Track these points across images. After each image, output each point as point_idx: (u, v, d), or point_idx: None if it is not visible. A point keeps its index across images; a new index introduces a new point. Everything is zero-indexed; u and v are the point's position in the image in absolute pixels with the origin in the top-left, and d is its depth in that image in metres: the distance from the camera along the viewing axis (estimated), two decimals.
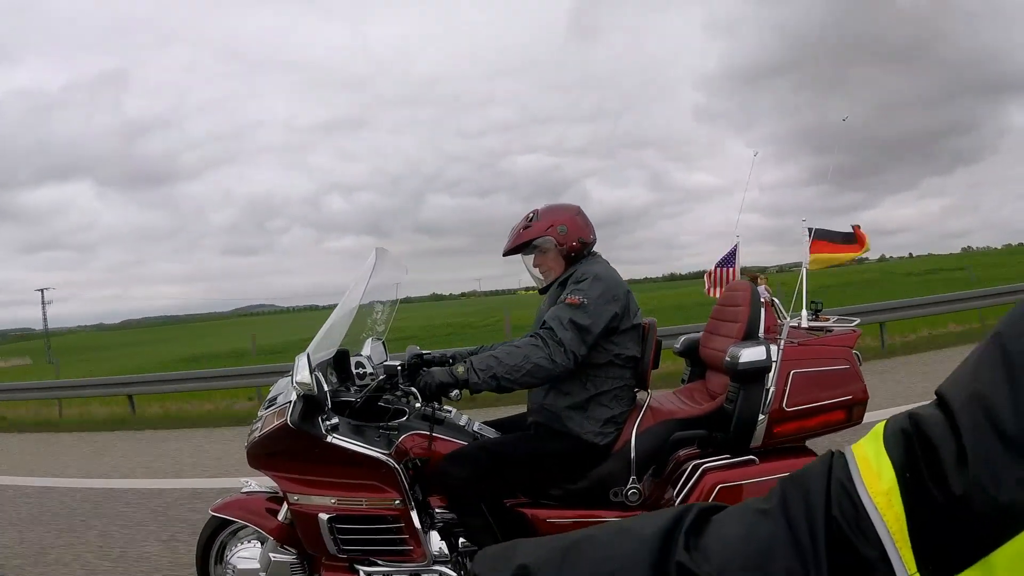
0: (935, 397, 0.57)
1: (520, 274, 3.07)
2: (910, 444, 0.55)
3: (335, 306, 3.04)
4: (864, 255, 3.04)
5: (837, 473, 0.56)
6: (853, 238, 3.03)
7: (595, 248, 2.92)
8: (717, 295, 3.54)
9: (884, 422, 0.57)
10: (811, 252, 2.97)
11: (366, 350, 3.18)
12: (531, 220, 2.84)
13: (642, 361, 2.80)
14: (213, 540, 3.09)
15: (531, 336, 2.57)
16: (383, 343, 3.31)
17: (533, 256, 2.87)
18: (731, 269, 3.46)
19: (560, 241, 2.79)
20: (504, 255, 2.92)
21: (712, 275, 3.59)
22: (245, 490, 3.09)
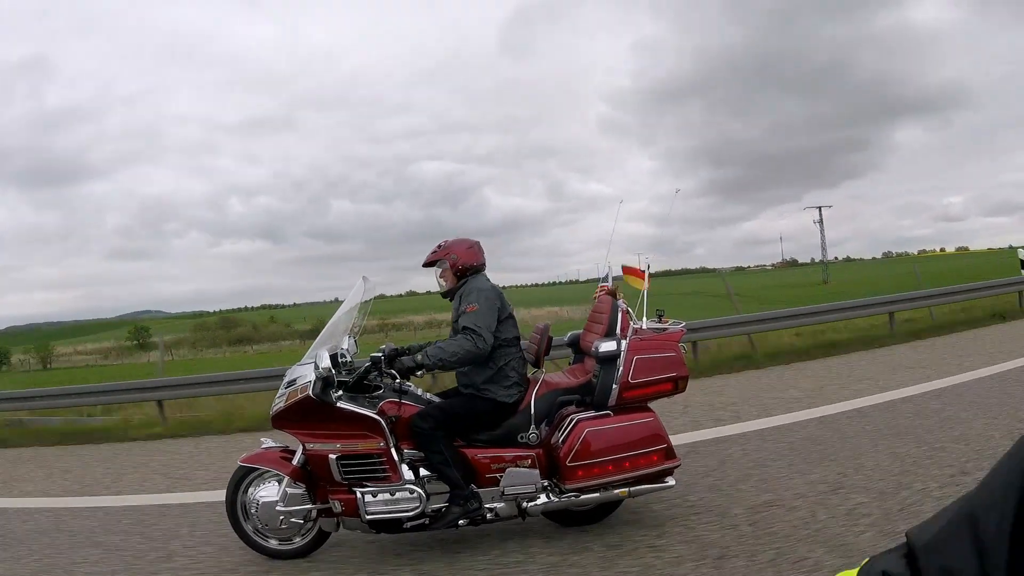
0: (904, 541, 0.62)
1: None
2: None
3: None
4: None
5: None
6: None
7: (494, 254, 4.49)
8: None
9: (856, 571, 0.63)
10: (649, 281, 4.50)
11: (345, 344, 4.51)
12: (440, 248, 4.37)
13: (538, 349, 4.29)
14: (239, 485, 4.28)
15: (462, 334, 4.02)
16: (355, 339, 4.63)
17: (438, 270, 4.37)
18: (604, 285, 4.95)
19: (452, 264, 4.30)
20: (422, 266, 4.44)
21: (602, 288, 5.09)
22: (264, 446, 4.35)
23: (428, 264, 4.40)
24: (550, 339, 4.47)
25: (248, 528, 4.23)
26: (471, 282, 4.28)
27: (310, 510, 4.14)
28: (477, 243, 4.44)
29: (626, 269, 4.69)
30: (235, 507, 4.26)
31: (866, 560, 0.64)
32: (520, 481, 4.01)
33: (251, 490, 4.25)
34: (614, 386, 4.05)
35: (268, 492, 4.21)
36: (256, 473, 4.27)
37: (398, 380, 4.03)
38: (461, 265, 4.31)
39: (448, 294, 4.35)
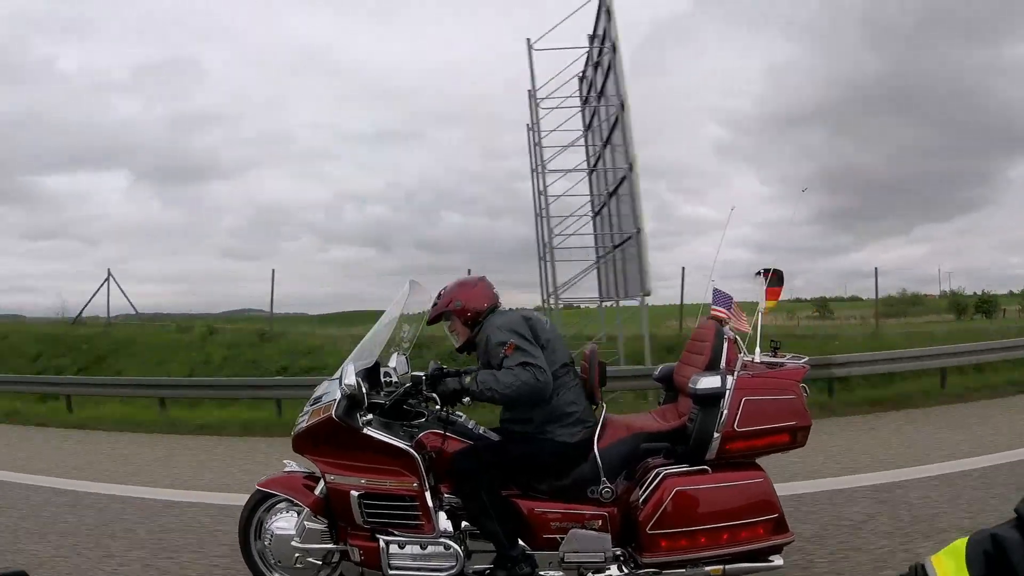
0: (1014, 515, 0.64)
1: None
2: (991, 566, 0.60)
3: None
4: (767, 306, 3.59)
5: None
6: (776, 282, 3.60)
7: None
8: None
9: (965, 540, 0.64)
10: (767, 298, 3.52)
11: (392, 362, 3.79)
12: (439, 298, 3.54)
13: (589, 380, 3.43)
14: (255, 511, 3.66)
15: (519, 366, 3.17)
16: (406, 357, 3.90)
17: (447, 324, 3.53)
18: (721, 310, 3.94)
19: (457, 313, 3.45)
20: (427, 324, 3.66)
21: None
22: (286, 470, 3.69)
23: (433, 321, 3.60)
24: (602, 365, 3.58)
25: (260, 565, 3.59)
26: (486, 325, 3.43)
27: (331, 551, 3.45)
28: (483, 279, 3.63)
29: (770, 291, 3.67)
30: (248, 537, 3.64)
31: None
32: (585, 546, 3.16)
33: (268, 518, 3.62)
34: (715, 434, 3.14)
35: (286, 523, 3.56)
36: (276, 499, 3.62)
37: (439, 407, 3.26)
38: (471, 311, 3.47)
39: (464, 348, 3.53)
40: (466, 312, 3.47)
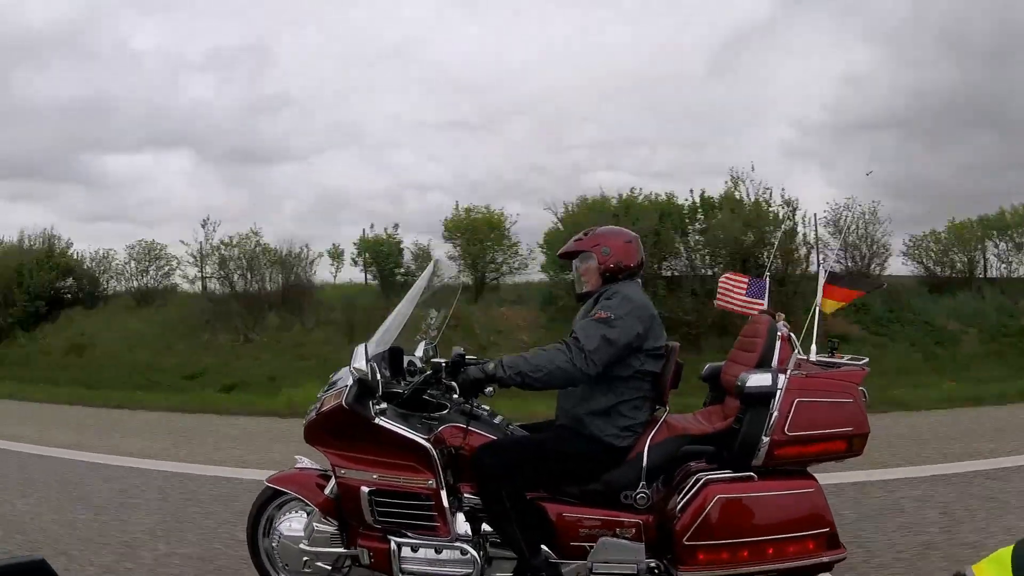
0: None
1: None
2: None
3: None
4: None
5: None
6: (857, 284, 3.30)
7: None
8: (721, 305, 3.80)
9: (1011, 548, 0.63)
10: (824, 296, 3.23)
11: (419, 351, 3.56)
12: (585, 235, 3.26)
13: (662, 379, 3.12)
14: (265, 509, 3.44)
15: (559, 342, 2.93)
16: (434, 347, 3.67)
17: (580, 264, 3.25)
18: (758, 301, 3.69)
19: (600, 260, 3.15)
20: (557, 256, 3.44)
21: (733, 291, 3.77)
22: (298, 466, 3.47)
23: (567, 255, 3.30)
24: (680, 366, 3.27)
25: (267, 565, 3.38)
26: (620, 286, 3.12)
27: (341, 556, 3.20)
28: (636, 238, 3.29)
29: (829, 289, 3.38)
30: (256, 536, 3.42)
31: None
32: (616, 556, 2.87)
33: (277, 517, 3.41)
34: (764, 438, 2.84)
35: (295, 524, 3.33)
36: (287, 497, 3.41)
37: (457, 396, 3.00)
38: (613, 263, 3.15)
39: (584, 297, 3.23)
40: (608, 263, 3.16)
